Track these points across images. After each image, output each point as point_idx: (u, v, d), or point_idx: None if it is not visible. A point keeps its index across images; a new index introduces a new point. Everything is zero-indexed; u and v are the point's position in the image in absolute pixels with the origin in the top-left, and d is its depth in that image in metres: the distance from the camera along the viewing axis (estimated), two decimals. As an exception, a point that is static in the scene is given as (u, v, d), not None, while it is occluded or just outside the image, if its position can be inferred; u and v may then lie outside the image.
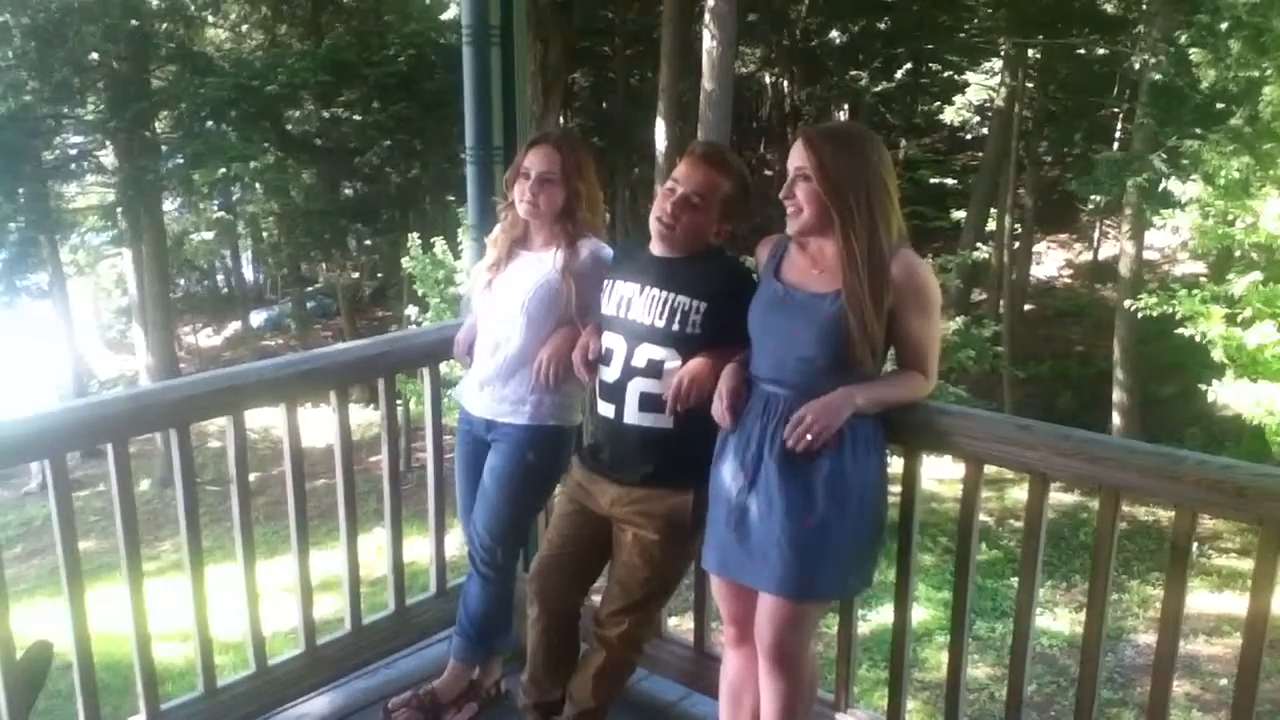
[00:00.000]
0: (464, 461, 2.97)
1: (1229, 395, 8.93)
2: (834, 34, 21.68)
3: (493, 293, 2.83)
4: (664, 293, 2.49)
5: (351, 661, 3.13)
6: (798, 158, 2.26)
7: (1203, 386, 9.37)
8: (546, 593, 2.73)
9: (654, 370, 2.49)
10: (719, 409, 2.36)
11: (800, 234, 2.32)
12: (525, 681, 2.83)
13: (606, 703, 2.73)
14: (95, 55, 16.37)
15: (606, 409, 2.58)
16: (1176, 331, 9.64)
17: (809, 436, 2.20)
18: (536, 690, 2.80)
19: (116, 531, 2.57)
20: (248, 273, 27.08)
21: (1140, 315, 10.57)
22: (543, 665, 2.78)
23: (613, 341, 2.56)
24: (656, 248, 2.54)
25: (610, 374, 2.55)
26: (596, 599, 2.79)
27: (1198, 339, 9.32)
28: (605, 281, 2.62)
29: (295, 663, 3.01)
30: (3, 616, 2.38)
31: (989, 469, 2.41)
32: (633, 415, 2.52)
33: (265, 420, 13.16)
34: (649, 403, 2.50)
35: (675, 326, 2.47)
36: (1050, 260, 22.06)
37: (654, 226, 2.52)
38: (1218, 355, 9.16)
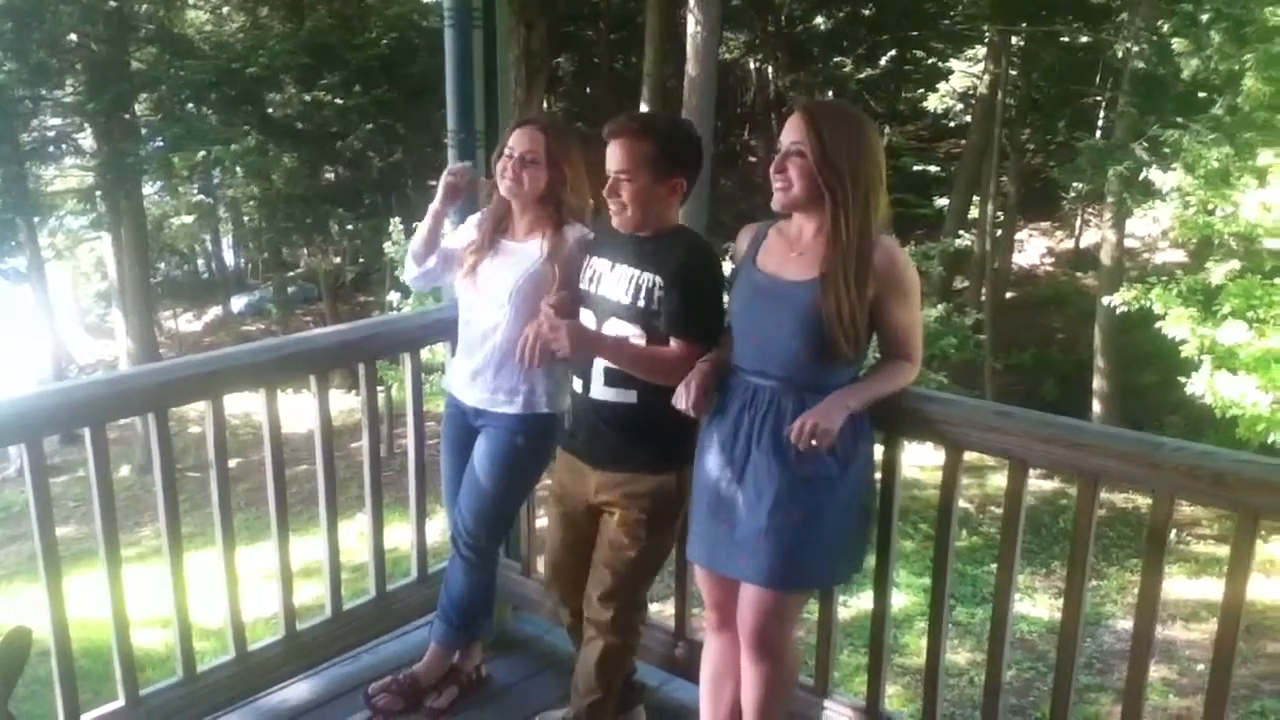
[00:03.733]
0: (450, 446, 2.97)
1: (1205, 388, 8.99)
2: (818, 20, 21.64)
3: (478, 284, 2.82)
4: (631, 269, 2.52)
5: (332, 647, 3.13)
6: (793, 132, 2.22)
7: (1182, 379, 9.44)
8: (565, 594, 2.78)
9: None
10: (684, 402, 2.34)
11: (784, 209, 2.29)
12: None
13: (611, 690, 2.73)
14: (73, 36, 16.16)
15: (577, 384, 2.63)
16: (1155, 325, 9.71)
17: (814, 442, 2.19)
18: None
19: (95, 517, 2.56)
20: (228, 257, 26.88)
21: (1119, 310, 10.65)
22: None
23: (585, 317, 2.59)
24: (623, 230, 2.56)
25: None
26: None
27: (1170, 337, 9.40)
28: (584, 261, 2.65)
29: (275, 649, 3.00)
30: (-21, 602, 2.37)
31: (969, 456, 2.42)
32: (599, 390, 2.55)
33: (246, 406, 13.09)
34: (613, 377, 2.53)
35: (641, 303, 2.49)
36: (1032, 248, 22.12)
37: (613, 216, 2.54)
38: (1189, 351, 9.23)
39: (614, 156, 2.48)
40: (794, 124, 2.23)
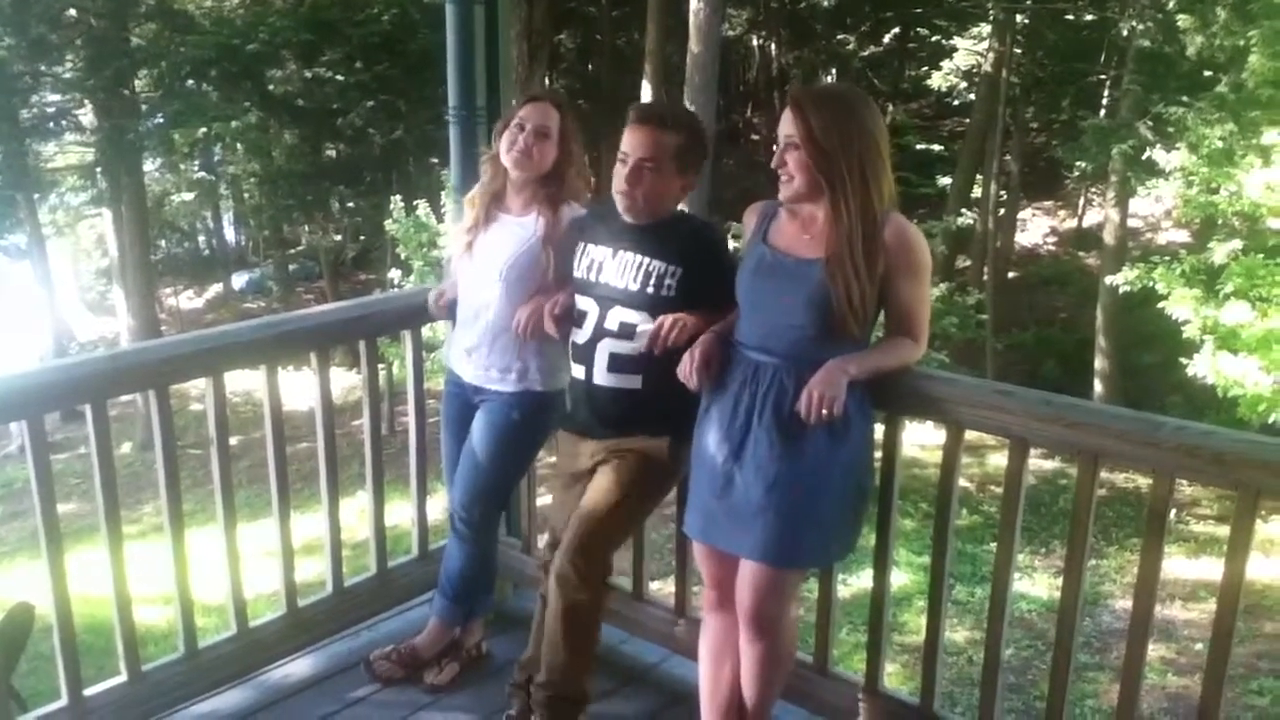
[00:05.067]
0: (450, 422, 2.98)
1: (1207, 368, 8.99)
2: (822, -3, 21.53)
3: (472, 256, 2.81)
4: (637, 256, 2.50)
5: (333, 623, 3.15)
6: (787, 124, 2.24)
7: (1183, 360, 9.43)
8: None
9: (626, 332, 2.51)
10: (686, 369, 2.34)
11: (791, 201, 2.30)
12: (523, 659, 2.82)
13: (582, 652, 2.61)
14: (73, 11, 16.07)
15: (577, 370, 2.60)
16: (1158, 305, 9.70)
17: (825, 412, 2.19)
18: (532, 666, 2.78)
19: (96, 494, 2.56)
20: (229, 234, 26.83)
21: (1121, 290, 10.63)
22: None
23: (585, 305, 2.57)
24: (628, 217, 2.54)
25: (581, 336, 2.57)
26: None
27: (1173, 317, 9.39)
28: (577, 244, 2.62)
29: (277, 624, 3.02)
30: (-18, 578, 2.38)
31: (970, 435, 2.42)
32: (601, 376, 2.54)
33: (247, 384, 13.10)
34: (617, 363, 2.52)
35: (650, 289, 2.48)
36: (1035, 227, 22.07)
37: (619, 201, 2.51)
38: (1191, 332, 9.22)
39: (640, 143, 2.45)
40: (786, 116, 2.25)
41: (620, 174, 2.48)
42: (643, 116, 2.48)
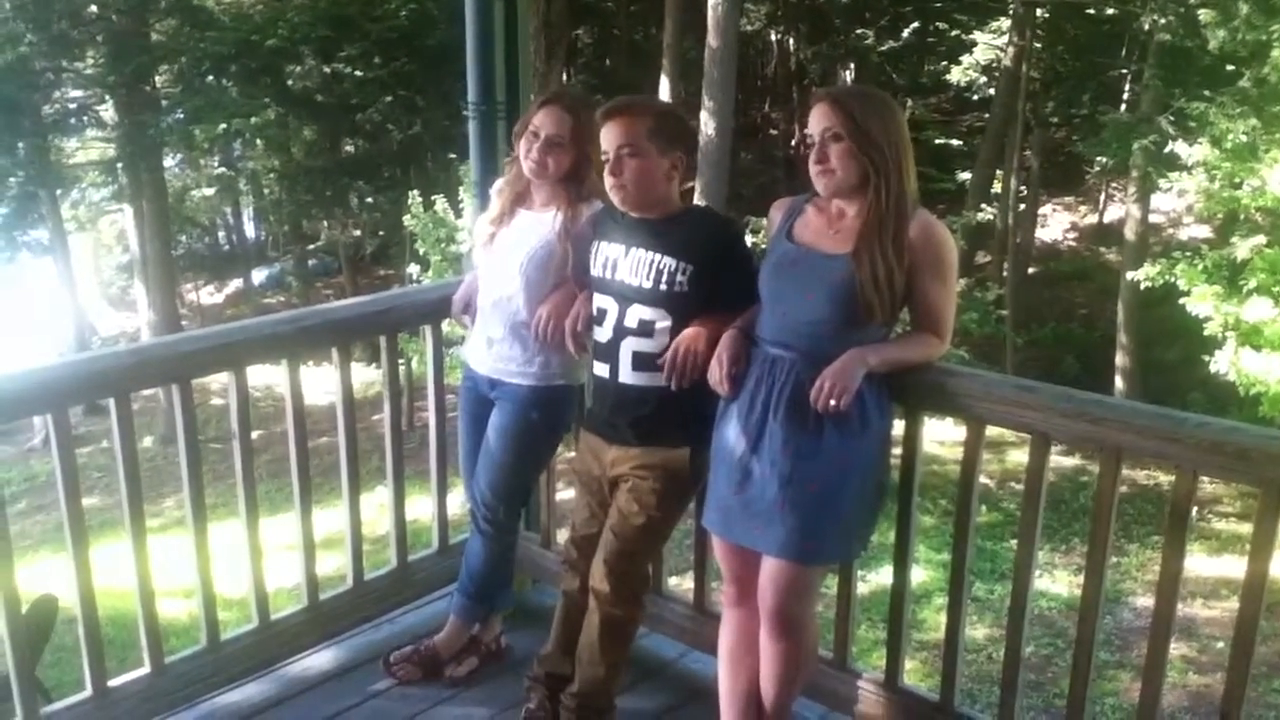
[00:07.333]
0: (467, 419, 2.98)
1: (1229, 365, 8.93)
2: (841, -9, 21.43)
3: (494, 249, 2.82)
4: (649, 254, 2.50)
5: (353, 617, 3.16)
6: (824, 119, 2.23)
7: (1205, 356, 9.37)
8: (581, 567, 2.73)
9: (645, 330, 2.51)
10: (717, 375, 2.36)
11: (831, 195, 2.29)
12: (542, 653, 2.84)
13: (616, 663, 2.68)
14: (94, 8, 16.18)
15: (601, 369, 2.60)
16: (1179, 301, 9.64)
17: (834, 402, 2.19)
18: (550, 661, 2.80)
19: (120, 487, 2.58)
20: (249, 230, 26.97)
21: (1142, 286, 10.56)
22: (565, 636, 2.78)
23: (604, 302, 2.57)
24: (633, 212, 2.54)
25: (603, 334, 2.57)
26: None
27: (1194, 314, 9.33)
28: (592, 243, 2.62)
29: (298, 618, 3.03)
30: (8, 572, 2.40)
31: (990, 431, 2.41)
32: (627, 374, 2.54)
33: (268, 379, 13.18)
34: (642, 361, 2.52)
35: (663, 287, 2.47)
36: (1055, 223, 21.95)
37: (614, 198, 2.52)
38: (1212, 329, 9.16)
39: (614, 134, 2.46)
40: (824, 112, 2.23)
41: (606, 171, 2.49)
42: (607, 111, 2.50)
